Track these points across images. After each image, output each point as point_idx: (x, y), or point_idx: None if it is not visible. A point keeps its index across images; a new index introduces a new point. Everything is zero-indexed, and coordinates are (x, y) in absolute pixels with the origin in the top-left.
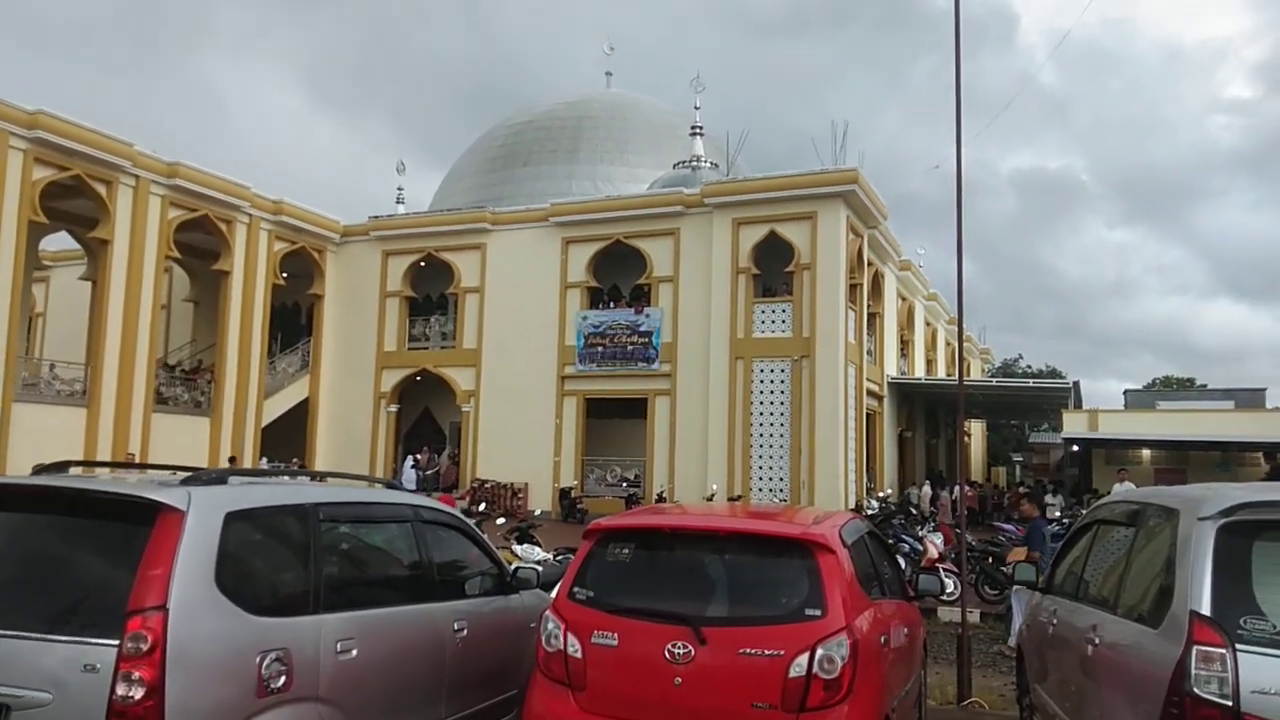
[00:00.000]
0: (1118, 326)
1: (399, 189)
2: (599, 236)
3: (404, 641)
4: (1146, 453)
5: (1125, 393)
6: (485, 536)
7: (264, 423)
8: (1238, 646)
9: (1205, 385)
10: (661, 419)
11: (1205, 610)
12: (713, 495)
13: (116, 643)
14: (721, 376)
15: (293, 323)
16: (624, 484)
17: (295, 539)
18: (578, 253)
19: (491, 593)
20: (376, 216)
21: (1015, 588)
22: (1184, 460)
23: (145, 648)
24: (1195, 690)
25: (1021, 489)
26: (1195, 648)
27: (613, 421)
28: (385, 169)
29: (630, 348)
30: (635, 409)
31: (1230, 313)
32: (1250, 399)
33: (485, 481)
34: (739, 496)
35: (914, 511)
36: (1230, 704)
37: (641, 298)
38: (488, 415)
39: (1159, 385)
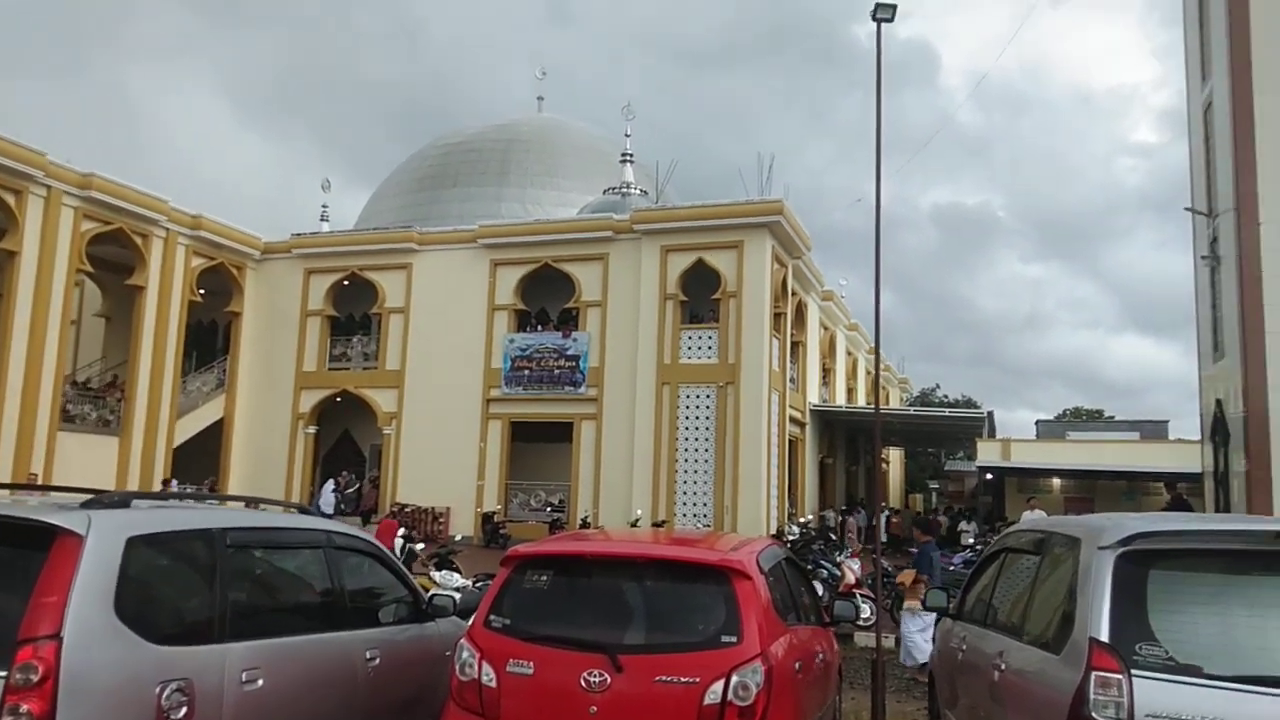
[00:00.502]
0: (1031, 358)
1: (324, 206)
2: (527, 259)
3: (313, 671)
4: (1057, 481)
5: (1037, 423)
6: (401, 563)
7: (176, 443)
8: (1133, 673)
9: (1113, 417)
10: (587, 443)
11: (1104, 637)
12: (637, 520)
13: (4, 674)
14: (648, 402)
15: (209, 341)
16: (548, 509)
17: (201, 565)
18: (506, 275)
19: (406, 620)
20: (300, 234)
21: (905, 608)
22: (1092, 489)
23: (35, 679)
24: (1093, 715)
25: (934, 516)
26: (1094, 674)
27: (538, 445)
28: (311, 186)
29: (557, 371)
30: (561, 433)
31: (1137, 347)
32: (1154, 430)
33: (405, 506)
34: (663, 522)
35: (833, 537)
36: None
37: (569, 321)
38: (410, 438)
39: (1069, 416)
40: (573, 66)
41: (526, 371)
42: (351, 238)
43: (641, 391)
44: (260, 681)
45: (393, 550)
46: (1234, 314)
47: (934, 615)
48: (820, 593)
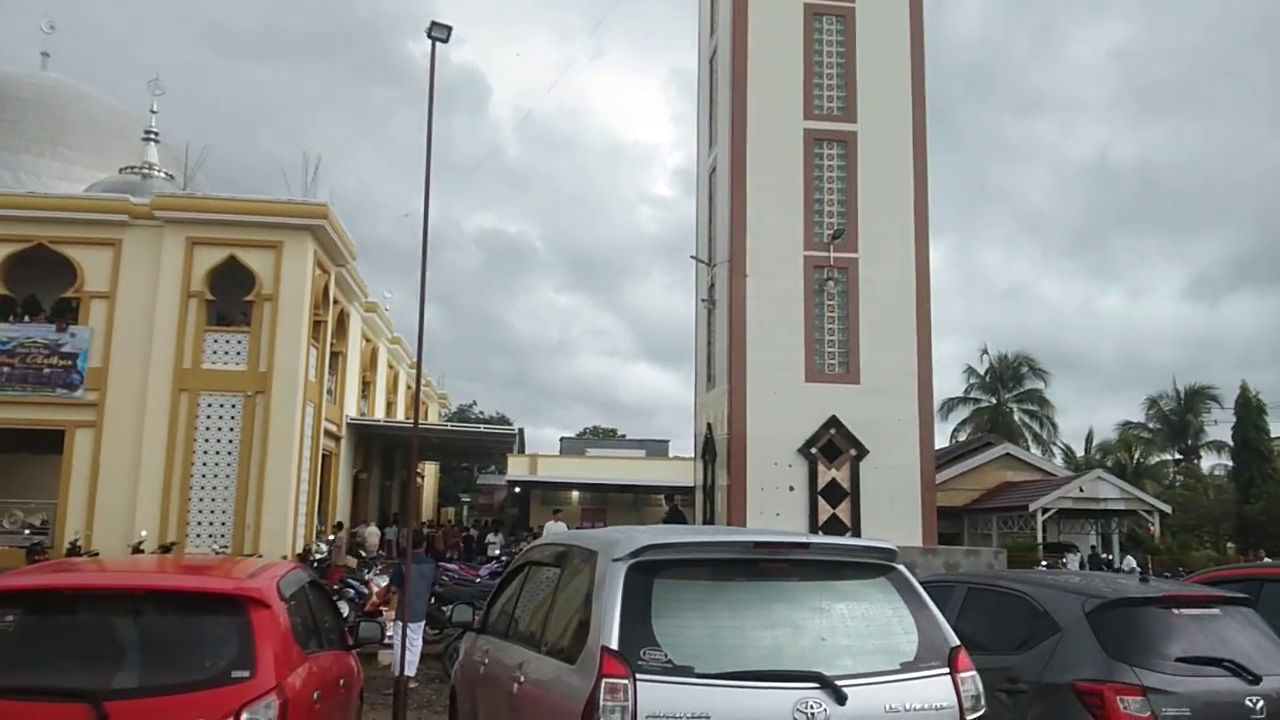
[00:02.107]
0: (560, 380)
1: None
2: (16, 237)
3: None
4: (576, 494)
5: (561, 440)
6: None
7: None
8: (638, 677)
9: (625, 435)
10: (82, 455)
11: (614, 645)
12: (140, 543)
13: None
14: (161, 409)
15: None
16: (27, 531)
17: None
18: None
19: None
20: None
21: (380, 620)
22: (605, 501)
23: None
24: None
25: (466, 532)
26: (604, 680)
27: (18, 456)
28: None
29: (48, 371)
30: (49, 442)
31: (647, 374)
32: (658, 449)
33: None
34: (172, 545)
35: (362, 554)
36: None
37: (67, 313)
38: None
39: (589, 434)
40: (90, 26)
41: (7, 369)
42: None
43: (154, 398)
44: None
45: None
46: (724, 350)
47: (420, 624)
48: (346, 612)
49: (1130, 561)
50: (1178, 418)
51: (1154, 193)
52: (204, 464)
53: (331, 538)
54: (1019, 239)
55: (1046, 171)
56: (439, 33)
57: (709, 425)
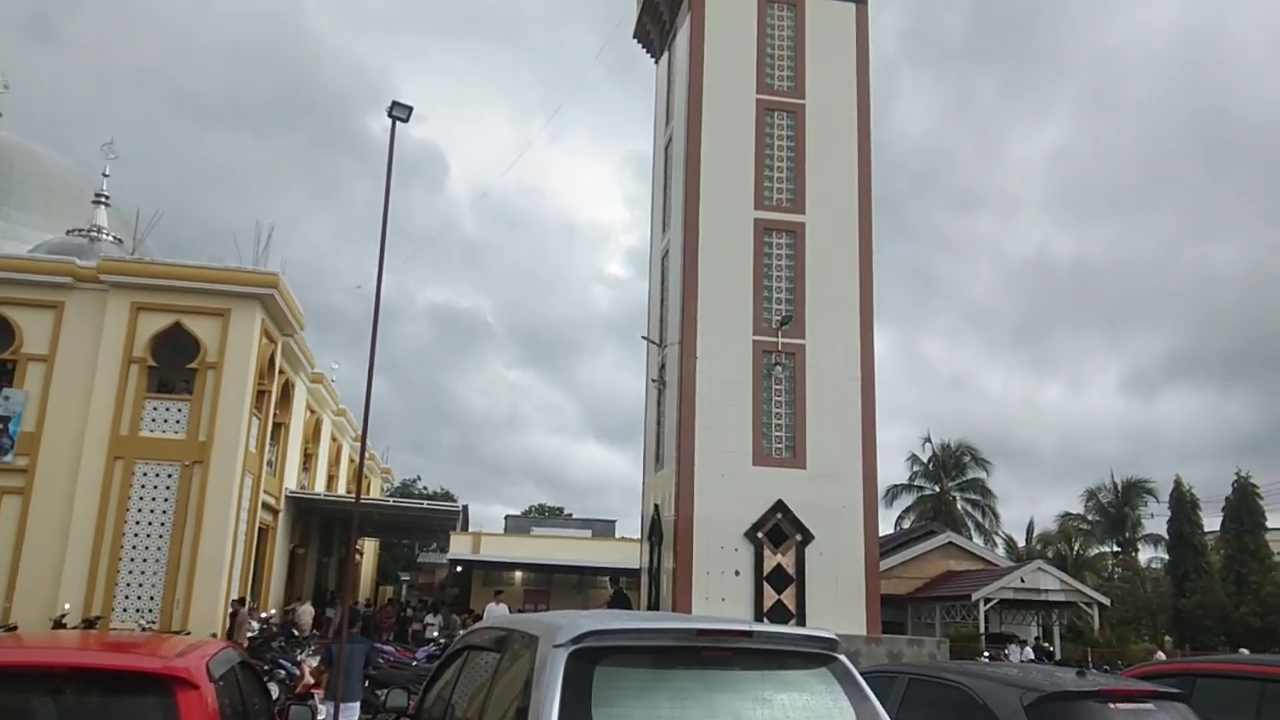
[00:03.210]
0: (507, 456)
1: None
2: None
3: None
4: (519, 574)
5: (506, 518)
6: None
7: None
8: None
9: (571, 514)
10: (7, 522)
11: None
12: (63, 617)
13: None
14: (94, 477)
15: None
16: None
17: None
18: None
19: None
20: None
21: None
22: (549, 582)
23: None
24: None
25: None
26: None
27: None
28: None
29: None
30: None
31: (595, 453)
32: (604, 529)
33: None
34: (97, 619)
35: (295, 633)
36: None
37: (2, 376)
38: None
39: (534, 512)
40: (47, 87)
41: None
42: None
43: (87, 465)
44: None
45: None
46: (673, 430)
47: (354, 705)
48: (276, 694)
49: (1028, 651)
50: (1116, 510)
51: (1092, 289)
52: (135, 535)
53: (266, 615)
54: (962, 330)
55: (988, 265)
56: (400, 112)
57: (656, 506)
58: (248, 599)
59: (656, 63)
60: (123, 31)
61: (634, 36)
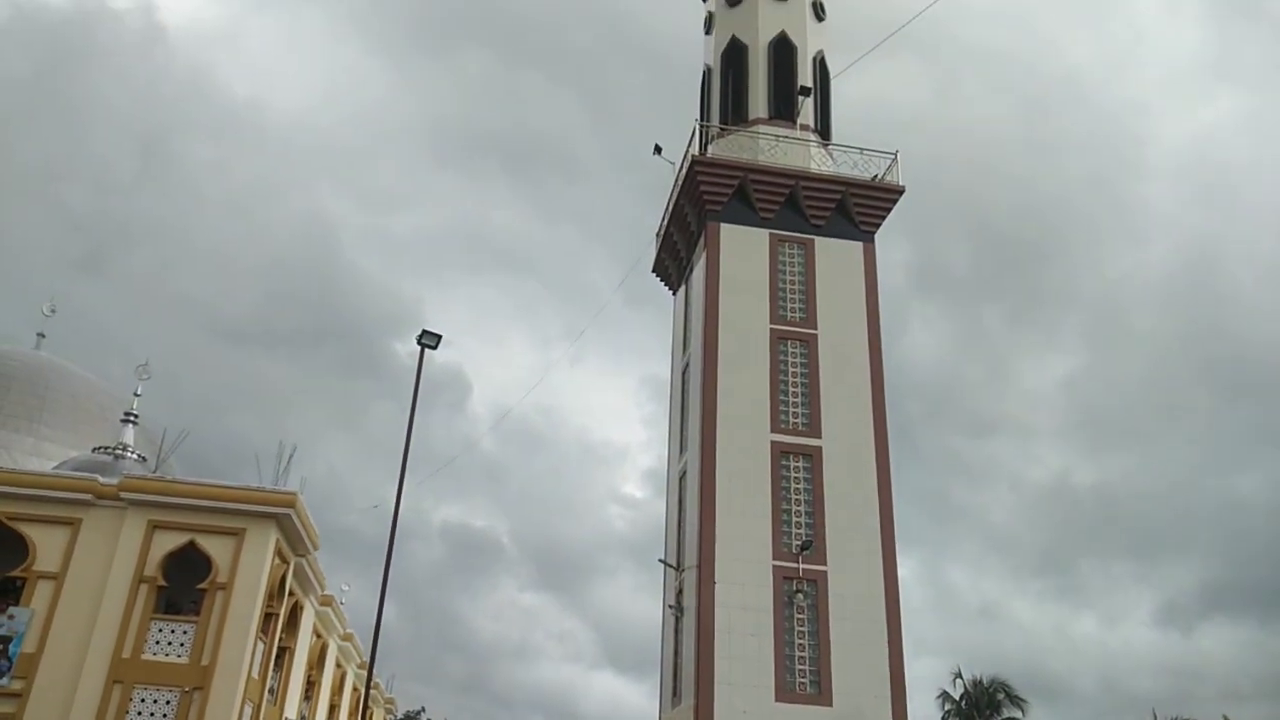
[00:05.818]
0: (517, 687)
1: None
2: None
3: None
4: None
5: None
6: None
7: None
8: None
9: None
10: None
11: None
12: None
13: None
14: (90, 703)
15: None
16: None
17: None
18: None
19: None
20: None
21: None
22: None
23: None
24: None
25: None
26: None
27: None
28: None
29: None
30: None
31: (610, 684)
32: None
33: None
34: None
35: None
36: None
37: (10, 594)
38: None
39: None
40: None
41: None
42: None
43: (85, 691)
44: None
45: None
46: (691, 659)
47: None
48: None
49: None
50: None
51: (1117, 517)
52: None
53: None
54: (987, 557)
55: (1008, 491)
56: (429, 340)
57: None
58: None
59: (674, 294)
60: (169, 264)
61: (653, 271)
